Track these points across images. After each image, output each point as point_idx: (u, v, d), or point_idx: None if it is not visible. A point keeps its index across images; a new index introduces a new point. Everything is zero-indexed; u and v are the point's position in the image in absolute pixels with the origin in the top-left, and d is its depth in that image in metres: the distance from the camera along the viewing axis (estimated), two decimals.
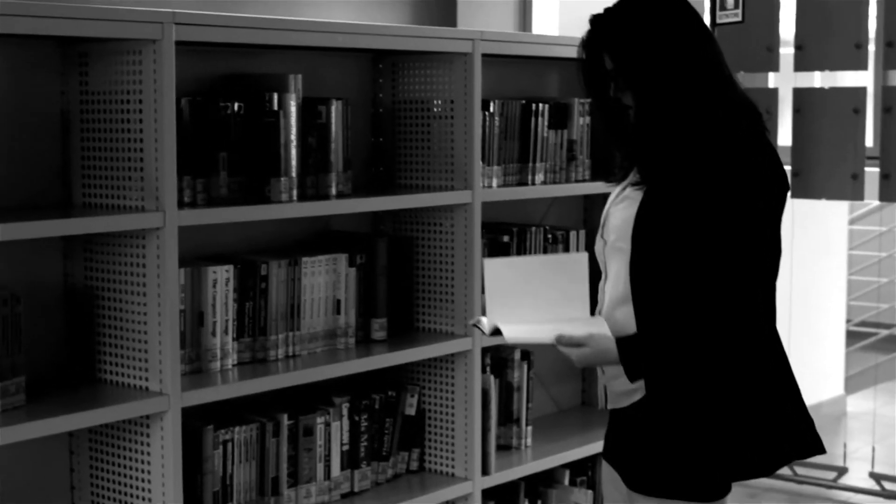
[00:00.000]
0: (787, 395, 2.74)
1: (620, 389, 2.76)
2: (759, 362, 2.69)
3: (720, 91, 2.70)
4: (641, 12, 2.70)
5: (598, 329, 2.72)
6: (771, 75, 5.51)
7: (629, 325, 2.70)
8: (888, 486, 5.79)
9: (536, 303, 2.83)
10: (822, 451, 2.76)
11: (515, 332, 2.77)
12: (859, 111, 5.36)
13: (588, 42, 2.78)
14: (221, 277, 3.21)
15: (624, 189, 2.78)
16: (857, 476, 5.99)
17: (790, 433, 2.73)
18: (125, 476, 3.07)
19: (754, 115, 2.72)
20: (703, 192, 2.60)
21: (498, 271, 2.86)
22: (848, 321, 7.81)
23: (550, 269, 2.88)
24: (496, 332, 2.79)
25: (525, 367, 4.07)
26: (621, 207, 2.74)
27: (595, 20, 2.76)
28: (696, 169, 2.62)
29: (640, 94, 2.69)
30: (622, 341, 2.68)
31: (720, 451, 2.67)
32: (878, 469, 5.95)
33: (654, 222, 2.65)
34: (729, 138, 2.64)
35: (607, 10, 2.75)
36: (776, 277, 2.70)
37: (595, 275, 2.86)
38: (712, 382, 2.65)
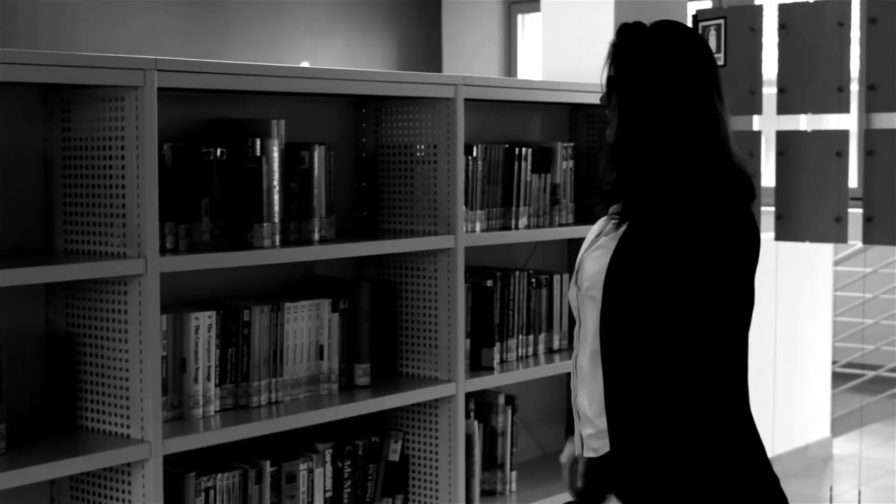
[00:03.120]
0: (753, 461, 2.71)
1: (592, 438, 2.76)
2: (727, 423, 2.65)
3: (702, 127, 2.66)
4: (655, 34, 2.70)
5: None
6: (755, 118, 5.53)
7: (596, 373, 2.69)
8: None
9: None
10: None
11: None
12: (842, 154, 5.37)
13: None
14: (204, 323, 3.20)
15: (598, 236, 2.76)
16: None
17: (757, 497, 2.70)
18: None
19: (730, 160, 2.69)
20: (674, 243, 2.57)
21: None
22: (834, 363, 7.81)
23: None
24: None
25: (509, 411, 4.06)
26: (596, 256, 2.71)
27: (618, 30, 2.74)
28: (668, 208, 2.60)
29: (624, 108, 2.68)
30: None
31: None
32: None
33: (625, 275, 2.62)
34: (701, 177, 2.62)
35: (632, 24, 2.73)
36: (747, 332, 2.68)
37: (571, 321, 2.85)
38: (678, 443, 2.60)
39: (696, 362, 2.58)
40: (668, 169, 2.62)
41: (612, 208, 2.77)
